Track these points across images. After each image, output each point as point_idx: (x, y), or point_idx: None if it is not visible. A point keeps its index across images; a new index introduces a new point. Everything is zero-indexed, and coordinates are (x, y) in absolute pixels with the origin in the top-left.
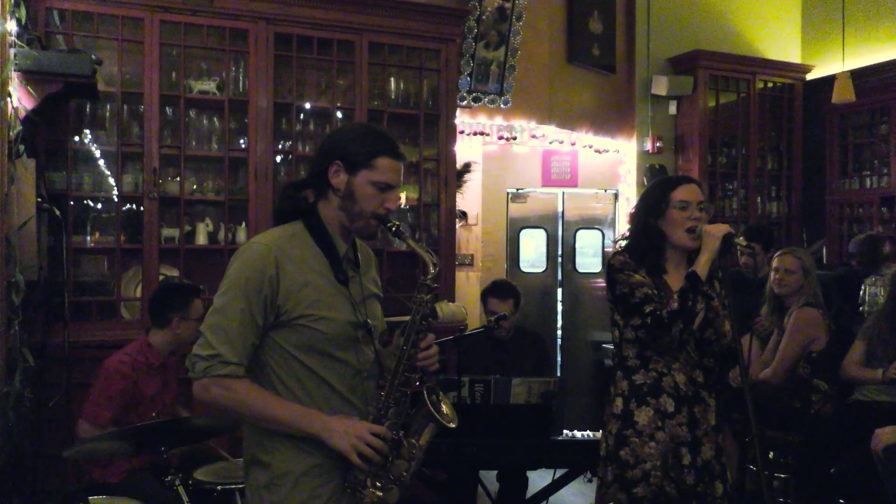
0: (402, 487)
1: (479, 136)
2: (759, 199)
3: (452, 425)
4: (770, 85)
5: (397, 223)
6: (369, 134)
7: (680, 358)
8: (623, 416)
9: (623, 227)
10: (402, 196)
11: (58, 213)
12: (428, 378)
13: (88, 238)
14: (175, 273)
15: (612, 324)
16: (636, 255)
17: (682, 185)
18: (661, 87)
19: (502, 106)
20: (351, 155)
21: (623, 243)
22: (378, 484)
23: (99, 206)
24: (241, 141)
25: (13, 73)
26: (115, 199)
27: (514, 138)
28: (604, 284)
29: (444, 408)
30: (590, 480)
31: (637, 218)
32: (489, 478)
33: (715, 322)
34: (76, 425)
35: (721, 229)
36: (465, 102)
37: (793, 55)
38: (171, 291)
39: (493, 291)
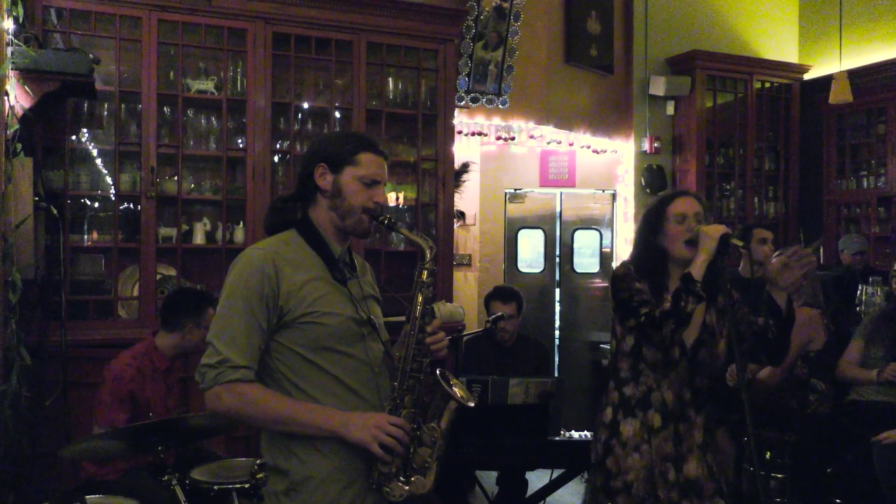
0: (428, 476)
1: (477, 136)
2: (756, 200)
3: (471, 404)
4: (767, 85)
5: (388, 215)
6: (349, 135)
7: (671, 375)
8: (611, 426)
9: (620, 226)
10: (401, 196)
11: (55, 211)
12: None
13: (86, 237)
14: (172, 272)
15: (612, 334)
16: (640, 269)
17: (679, 199)
18: (658, 87)
19: (500, 106)
20: (334, 155)
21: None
22: (402, 478)
23: (96, 205)
24: (239, 140)
25: (10, 71)
26: (113, 198)
27: (512, 138)
28: (602, 284)
29: (458, 390)
30: (587, 481)
31: (639, 237)
32: (489, 481)
33: (709, 342)
34: (91, 432)
35: (718, 230)
36: (463, 103)
37: (790, 55)
38: (188, 297)
39: (497, 295)
